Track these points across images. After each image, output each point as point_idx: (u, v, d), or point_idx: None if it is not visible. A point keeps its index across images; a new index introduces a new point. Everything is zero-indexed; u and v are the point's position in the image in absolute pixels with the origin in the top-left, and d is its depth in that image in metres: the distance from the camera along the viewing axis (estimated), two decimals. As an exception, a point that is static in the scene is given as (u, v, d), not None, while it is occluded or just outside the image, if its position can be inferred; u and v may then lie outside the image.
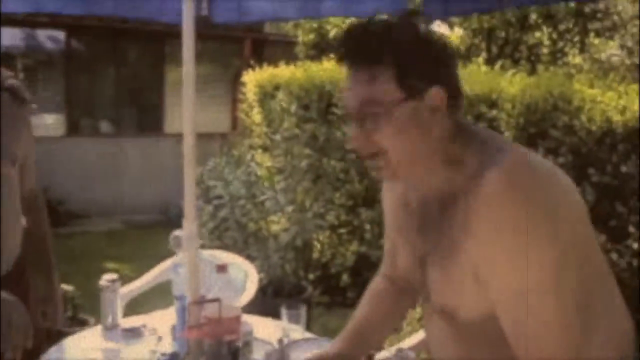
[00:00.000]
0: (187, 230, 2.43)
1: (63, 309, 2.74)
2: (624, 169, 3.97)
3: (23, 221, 2.66)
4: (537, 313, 1.44)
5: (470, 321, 1.59)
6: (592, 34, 10.17)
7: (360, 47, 1.55)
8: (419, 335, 3.14)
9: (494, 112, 4.41)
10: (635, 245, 3.96)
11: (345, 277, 5.89)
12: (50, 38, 10.13)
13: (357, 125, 1.57)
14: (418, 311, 3.70)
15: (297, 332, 2.70)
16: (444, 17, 5.53)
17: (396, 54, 1.51)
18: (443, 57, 1.57)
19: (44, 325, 2.77)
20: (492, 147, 1.55)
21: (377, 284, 2.07)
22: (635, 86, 4.40)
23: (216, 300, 2.25)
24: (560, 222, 1.46)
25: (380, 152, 1.57)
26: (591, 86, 4.38)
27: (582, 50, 10.14)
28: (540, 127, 4.19)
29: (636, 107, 4.02)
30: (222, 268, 2.40)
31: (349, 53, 1.58)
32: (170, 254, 3.68)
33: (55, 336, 2.75)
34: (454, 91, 1.56)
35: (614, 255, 3.88)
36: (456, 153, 1.57)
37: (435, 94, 1.52)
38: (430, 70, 1.53)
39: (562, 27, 9.80)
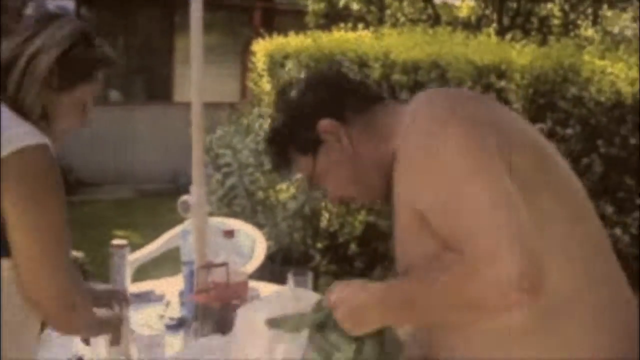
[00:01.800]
0: (195, 196, 2.45)
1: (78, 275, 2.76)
2: (632, 140, 3.97)
3: None
4: (468, 204, 1.41)
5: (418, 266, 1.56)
6: (605, 6, 10.09)
7: (273, 160, 1.84)
8: None
9: (503, 83, 4.40)
10: (642, 217, 3.97)
11: (353, 247, 5.91)
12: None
13: (325, 189, 1.80)
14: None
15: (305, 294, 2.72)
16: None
17: (285, 138, 1.76)
18: (313, 94, 1.75)
19: None
20: (413, 105, 1.63)
21: None
22: (645, 58, 4.38)
23: (223, 264, 2.28)
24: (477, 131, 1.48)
25: (350, 197, 1.81)
26: (602, 58, 4.36)
27: (594, 22, 10.08)
28: (550, 98, 4.18)
29: (646, 79, 4.01)
30: (229, 233, 2.42)
31: (274, 166, 1.90)
32: (179, 222, 3.72)
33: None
34: (348, 105, 1.71)
35: (618, 231, 3.88)
36: (384, 136, 1.67)
37: (325, 129, 1.69)
38: (306, 118, 1.71)
39: (574, -2, 9.73)
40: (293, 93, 1.79)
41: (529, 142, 1.58)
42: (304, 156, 1.73)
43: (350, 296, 1.60)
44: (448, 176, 1.45)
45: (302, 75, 6.37)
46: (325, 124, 1.68)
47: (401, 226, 1.59)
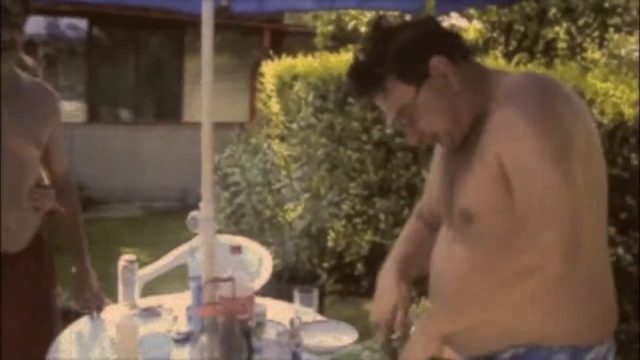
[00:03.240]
0: (204, 212, 2.50)
1: (97, 291, 2.83)
2: (634, 162, 4.00)
3: (55, 204, 2.75)
4: (543, 181, 1.59)
5: (483, 219, 1.75)
6: (611, 29, 10.12)
7: (363, 86, 1.87)
8: None
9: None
10: (644, 238, 4.00)
11: (359, 266, 5.95)
12: (70, 26, 10.23)
13: (405, 126, 1.86)
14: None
15: (309, 314, 2.76)
16: (458, 9, 5.57)
17: (388, 66, 1.79)
18: (424, 31, 1.83)
19: (78, 307, 2.86)
20: (508, 79, 1.77)
21: (411, 225, 2.24)
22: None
23: (230, 279, 2.33)
24: (569, 135, 1.64)
25: (433, 135, 1.85)
26: (605, 80, 4.41)
27: (601, 45, 10.10)
28: (554, 119, 4.22)
29: (648, 101, 4.04)
30: (236, 249, 2.46)
31: (360, 93, 1.89)
32: (187, 240, 3.76)
33: (73, 316, 2.84)
34: (452, 47, 1.82)
35: (620, 250, 3.91)
36: (480, 88, 1.78)
37: (436, 64, 1.77)
38: (420, 51, 1.79)
39: (581, 21, 9.75)
40: (397, 27, 1.84)
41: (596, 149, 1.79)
42: (407, 86, 1.79)
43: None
44: (532, 151, 1.61)
45: (311, 96, 6.45)
46: (439, 60, 1.77)
47: (479, 163, 1.73)
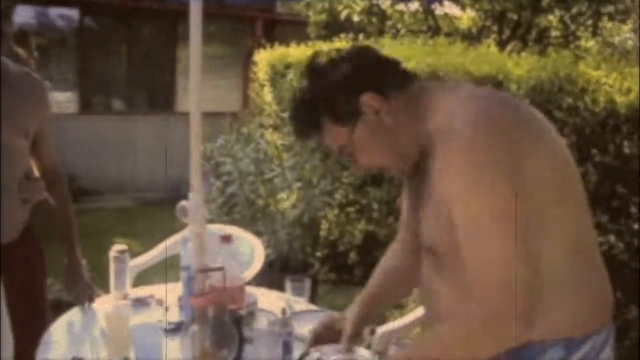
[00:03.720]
0: (193, 201, 2.49)
1: (87, 282, 2.82)
2: (626, 150, 4.01)
3: (45, 195, 2.74)
4: (485, 239, 1.57)
5: (444, 254, 1.75)
6: (605, 18, 10.12)
7: (302, 128, 1.88)
8: (413, 315, 3.20)
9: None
10: (635, 226, 4.00)
11: (352, 256, 5.95)
12: (61, 16, 10.17)
13: (349, 161, 1.88)
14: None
15: (301, 304, 2.76)
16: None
17: (321, 109, 1.79)
18: (356, 66, 1.79)
19: (68, 298, 2.86)
20: (452, 99, 1.71)
21: (391, 256, 2.25)
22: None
23: (220, 269, 2.32)
24: (501, 171, 1.58)
25: (379, 167, 1.87)
26: (597, 68, 4.40)
27: (594, 33, 10.10)
28: (545, 108, 4.22)
29: (640, 89, 4.04)
30: (226, 239, 2.46)
31: (300, 134, 1.91)
32: (179, 230, 3.75)
33: (64, 307, 2.83)
34: (386, 80, 1.78)
35: (612, 238, 3.91)
36: (420, 115, 1.74)
37: (366, 101, 1.75)
38: (349, 90, 1.76)
39: (574, 10, 9.74)
40: (330, 63, 1.81)
41: (552, 156, 1.70)
42: (340, 127, 1.78)
43: None
44: (475, 209, 1.58)
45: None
46: (369, 97, 1.75)
47: (432, 204, 1.72)
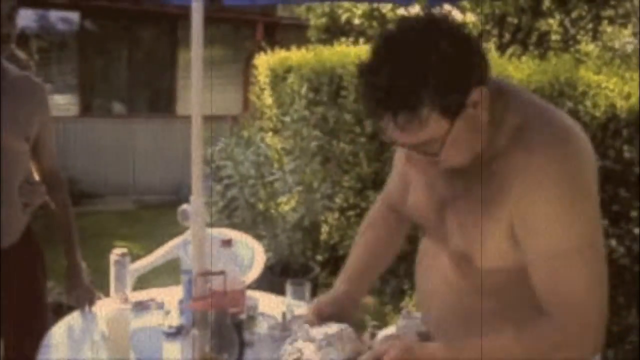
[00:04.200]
0: (195, 205, 2.49)
1: (87, 286, 2.82)
2: (627, 154, 4.00)
3: (45, 199, 2.74)
4: (572, 274, 1.55)
5: (487, 269, 1.68)
6: (605, 22, 10.13)
7: (397, 110, 1.55)
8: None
9: (501, 97, 4.44)
10: (636, 230, 3.99)
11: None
12: (62, 19, 10.18)
13: (413, 150, 1.64)
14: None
15: (301, 307, 2.76)
16: (452, 1, 5.56)
17: (428, 96, 1.52)
18: (470, 56, 1.58)
19: (68, 301, 2.85)
20: (531, 111, 1.64)
21: (372, 226, 2.20)
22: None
23: (221, 273, 2.31)
24: (591, 196, 1.58)
25: (459, 162, 1.67)
26: (598, 72, 4.40)
27: (594, 37, 10.11)
28: (546, 112, 4.23)
29: (641, 93, 4.04)
30: (226, 243, 2.45)
31: (386, 100, 1.56)
32: (180, 234, 3.76)
33: (64, 311, 2.83)
34: (486, 70, 1.61)
35: (613, 242, 3.91)
36: (496, 115, 1.63)
37: (476, 96, 1.56)
38: (465, 82, 1.55)
39: (574, 14, 9.75)
40: (442, 45, 1.53)
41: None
42: (442, 118, 1.56)
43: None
44: (561, 236, 1.56)
45: (304, 89, 6.43)
46: (479, 93, 1.57)
47: (478, 216, 1.65)
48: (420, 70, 1.52)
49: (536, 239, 1.58)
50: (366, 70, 1.59)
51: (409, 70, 1.52)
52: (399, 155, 1.98)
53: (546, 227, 1.56)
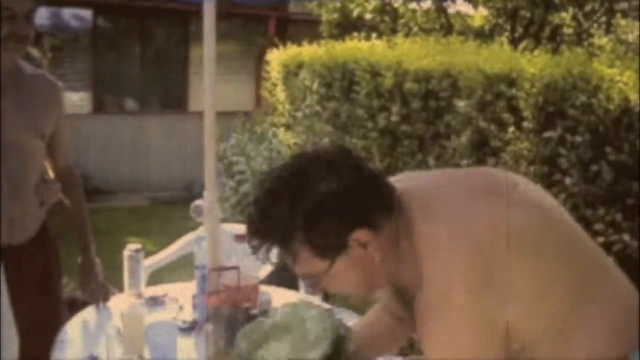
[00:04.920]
0: (208, 200, 2.50)
1: (102, 281, 2.83)
2: (640, 148, 3.98)
3: (60, 196, 2.76)
4: None
5: None
6: (618, 15, 10.07)
7: (263, 240, 1.54)
8: None
9: (513, 91, 4.43)
10: (651, 224, 3.98)
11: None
12: (75, 17, 10.22)
13: (308, 283, 1.67)
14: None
15: (315, 303, 2.76)
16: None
17: (299, 233, 1.50)
18: (349, 192, 1.52)
19: (82, 297, 2.87)
20: (430, 233, 1.54)
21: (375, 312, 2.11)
22: (654, 66, 4.38)
23: (235, 268, 2.33)
24: (485, 299, 1.49)
25: (344, 293, 1.69)
26: (611, 66, 4.38)
27: (607, 31, 10.06)
28: (559, 106, 4.20)
29: (655, 87, 4.01)
30: (241, 237, 2.46)
31: (256, 246, 1.56)
32: (193, 229, 3.76)
33: (79, 306, 2.84)
34: (378, 207, 1.55)
35: (626, 236, 3.88)
36: (402, 255, 1.58)
37: (360, 236, 1.53)
38: (340, 225, 1.51)
39: (587, 7, 9.69)
40: (314, 174, 1.51)
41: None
42: (319, 259, 1.53)
43: None
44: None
45: (316, 84, 6.42)
46: (361, 235, 1.52)
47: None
48: (294, 208, 1.49)
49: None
50: (251, 203, 1.60)
51: (283, 206, 1.50)
52: None
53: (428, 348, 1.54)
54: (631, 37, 10.63)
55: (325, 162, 1.55)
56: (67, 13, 10.15)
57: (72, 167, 2.90)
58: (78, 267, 2.84)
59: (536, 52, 5.30)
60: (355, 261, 1.54)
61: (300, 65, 7.01)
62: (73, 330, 2.54)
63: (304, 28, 10.34)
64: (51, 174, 2.82)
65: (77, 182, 2.92)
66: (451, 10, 9.59)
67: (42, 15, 9.65)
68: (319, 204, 1.49)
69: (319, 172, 1.52)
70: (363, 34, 7.74)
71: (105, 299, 2.77)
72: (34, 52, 3.67)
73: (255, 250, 1.56)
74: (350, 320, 2.67)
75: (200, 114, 2.50)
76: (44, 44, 9.30)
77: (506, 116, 4.43)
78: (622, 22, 10.44)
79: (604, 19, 9.91)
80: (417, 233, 1.53)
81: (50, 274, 2.81)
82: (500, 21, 9.58)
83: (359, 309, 2.76)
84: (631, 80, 4.07)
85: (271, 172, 1.61)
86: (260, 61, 9.75)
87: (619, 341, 1.60)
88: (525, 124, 4.30)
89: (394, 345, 2.08)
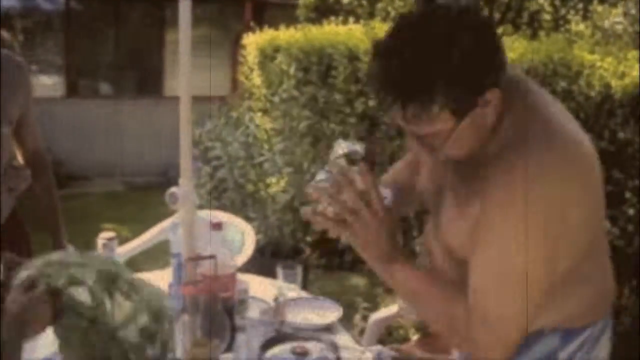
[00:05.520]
0: (183, 188, 2.44)
1: None
2: (621, 135, 3.97)
3: (30, 183, 2.69)
4: (503, 291, 1.56)
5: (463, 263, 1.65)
6: (595, 1, 10.10)
7: (412, 87, 1.47)
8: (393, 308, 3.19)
9: (493, 77, 4.41)
10: (631, 212, 3.97)
11: (343, 240, 5.89)
12: (48, 1, 10.07)
13: (416, 141, 1.59)
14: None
15: (293, 291, 2.73)
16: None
17: (450, 90, 1.46)
18: (491, 55, 1.51)
19: None
20: (536, 119, 1.58)
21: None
22: (635, 52, 4.38)
23: (211, 257, 2.28)
24: (569, 226, 1.54)
25: (459, 156, 1.63)
26: (591, 52, 4.36)
27: (585, 17, 10.08)
28: (539, 92, 4.19)
29: (635, 73, 4.00)
30: (217, 226, 2.42)
31: (397, 90, 1.49)
32: (169, 215, 3.70)
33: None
34: (503, 69, 1.54)
35: (607, 224, 3.88)
36: (496, 120, 1.58)
37: (490, 96, 1.51)
38: (482, 82, 1.49)
39: (565, -7, 9.72)
40: (465, 40, 1.45)
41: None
42: (450, 115, 1.50)
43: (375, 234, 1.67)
44: (506, 257, 1.54)
45: (293, 69, 6.36)
46: (492, 94, 1.51)
47: (457, 213, 1.66)
48: (439, 64, 1.44)
49: (482, 252, 1.57)
50: (382, 52, 1.51)
51: (426, 62, 1.45)
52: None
53: (494, 245, 1.55)
54: (607, 24, 10.67)
55: (462, 22, 1.49)
56: (40, -4, 10.00)
57: (41, 152, 2.82)
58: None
59: (514, 37, 5.28)
60: (474, 121, 1.53)
61: (277, 50, 6.94)
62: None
63: (281, 12, 10.25)
64: (20, 160, 2.74)
65: (47, 167, 2.85)
66: (428, -6, 9.55)
67: (14, -3, 9.52)
68: (462, 63, 1.44)
69: (458, 31, 1.47)
70: (340, 18, 7.67)
71: None
72: (4, 34, 3.58)
73: (387, 106, 1.52)
74: (330, 308, 2.65)
75: (175, 99, 2.44)
76: (15, 26, 9.17)
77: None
78: (599, 8, 10.46)
79: (581, 5, 9.93)
80: (537, 120, 1.57)
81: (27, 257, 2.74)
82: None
83: (337, 296, 2.74)
84: (612, 67, 4.06)
85: (407, 24, 1.53)
86: (236, 45, 9.66)
87: (595, 308, 1.74)
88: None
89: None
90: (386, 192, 1.76)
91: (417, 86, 1.46)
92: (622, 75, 4.02)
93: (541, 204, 1.49)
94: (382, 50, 1.52)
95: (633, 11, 10.01)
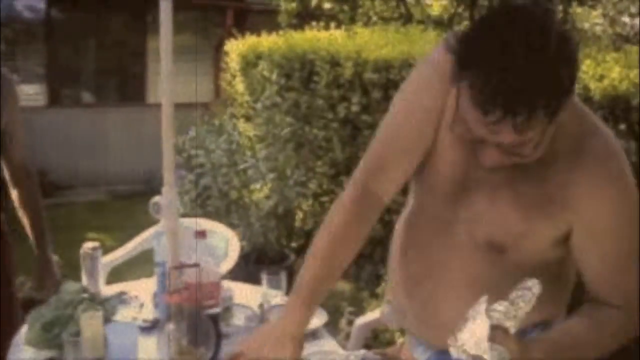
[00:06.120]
0: (167, 197, 2.45)
1: (59, 280, 2.76)
2: (601, 136, 4.00)
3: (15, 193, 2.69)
4: (631, 272, 1.68)
5: (519, 262, 1.71)
6: (574, 3, 10.17)
7: (528, 98, 1.42)
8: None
9: (474, 80, 4.43)
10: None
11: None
12: (28, 7, 10.03)
13: (499, 150, 1.54)
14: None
15: (278, 297, 2.73)
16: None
17: (557, 96, 1.44)
18: (577, 57, 1.50)
19: (39, 296, 2.80)
20: (589, 120, 1.70)
21: (349, 219, 2.00)
22: (613, 54, 4.41)
23: (195, 265, 2.28)
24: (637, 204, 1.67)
25: (523, 159, 1.57)
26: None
27: (564, 19, 10.14)
28: (520, 94, 4.22)
29: (614, 75, 4.03)
30: (201, 234, 2.42)
31: (514, 102, 1.42)
32: (153, 224, 3.70)
33: (35, 306, 2.77)
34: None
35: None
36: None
37: (569, 99, 1.50)
38: (574, 85, 1.49)
39: (544, -5, 9.77)
40: (565, 47, 1.43)
41: None
42: (544, 121, 1.46)
43: None
44: (623, 242, 1.67)
45: (275, 75, 6.38)
46: (571, 97, 1.51)
47: (527, 209, 1.66)
48: (550, 72, 1.41)
49: (602, 245, 1.67)
50: (495, 64, 1.42)
51: (541, 71, 1.41)
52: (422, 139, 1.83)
53: (612, 234, 1.65)
54: (587, 25, 10.74)
55: (554, 27, 1.45)
56: (20, 4, 9.95)
57: (27, 163, 2.82)
58: (34, 265, 2.78)
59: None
60: (554, 124, 1.51)
61: (259, 56, 6.96)
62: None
63: (263, 18, 10.26)
64: (5, 170, 2.74)
65: (33, 177, 2.85)
66: (409, -3, 9.60)
67: (-6, 6, 9.46)
68: (566, 69, 1.45)
69: (557, 37, 1.43)
70: (322, 24, 7.70)
71: None
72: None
73: (497, 119, 1.43)
74: (316, 313, 2.65)
75: (158, 106, 2.44)
76: (-4, 36, 9.13)
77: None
78: (579, 10, 10.54)
79: (560, 7, 10.00)
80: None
81: (4, 273, 2.74)
82: (460, 10, 9.61)
83: (322, 302, 2.74)
84: (591, 69, 4.09)
85: (512, 32, 1.44)
86: (218, 52, 9.67)
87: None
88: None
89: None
90: None
91: (533, 98, 1.42)
92: (601, 78, 4.06)
93: (630, 193, 1.65)
94: (498, 65, 1.43)
95: (612, 13, 10.11)
